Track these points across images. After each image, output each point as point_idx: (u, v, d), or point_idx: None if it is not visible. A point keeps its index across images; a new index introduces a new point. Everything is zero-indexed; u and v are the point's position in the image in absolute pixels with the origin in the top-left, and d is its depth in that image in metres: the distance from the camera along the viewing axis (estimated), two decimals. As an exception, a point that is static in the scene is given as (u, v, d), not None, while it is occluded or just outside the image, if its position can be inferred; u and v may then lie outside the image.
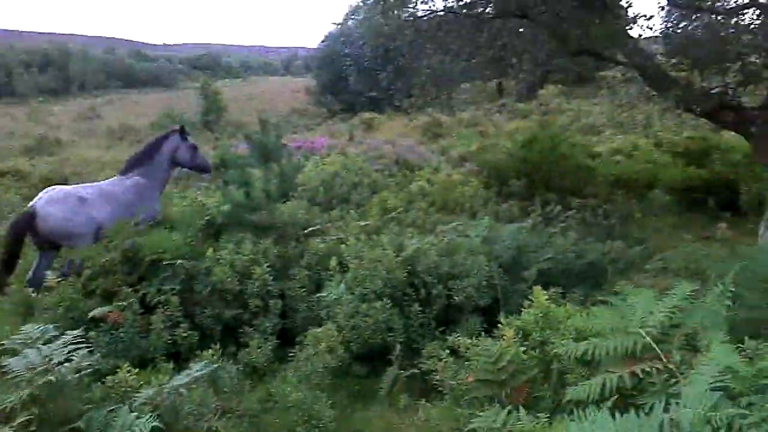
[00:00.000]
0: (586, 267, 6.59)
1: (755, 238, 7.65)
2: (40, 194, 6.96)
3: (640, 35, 8.59)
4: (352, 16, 44.55)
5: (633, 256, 6.83)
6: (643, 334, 3.41)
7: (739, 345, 3.25)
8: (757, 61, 7.60)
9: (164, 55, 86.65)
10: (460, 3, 8.57)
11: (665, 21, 8.96)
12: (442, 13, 8.60)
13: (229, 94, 43.59)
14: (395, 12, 9.04)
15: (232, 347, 5.46)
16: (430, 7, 8.84)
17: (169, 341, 5.32)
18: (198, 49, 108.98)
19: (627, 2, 8.61)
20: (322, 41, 51.35)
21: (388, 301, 5.47)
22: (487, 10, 8.46)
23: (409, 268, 5.85)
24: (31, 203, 6.89)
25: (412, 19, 8.89)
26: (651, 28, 8.50)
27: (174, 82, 73.08)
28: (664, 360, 3.26)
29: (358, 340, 5.29)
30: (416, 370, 4.80)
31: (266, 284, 6.01)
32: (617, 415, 2.64)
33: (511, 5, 8.13)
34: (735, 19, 8.00)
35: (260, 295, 5.96)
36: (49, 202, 6.74)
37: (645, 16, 8.26)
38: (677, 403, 2.63)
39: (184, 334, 5.40)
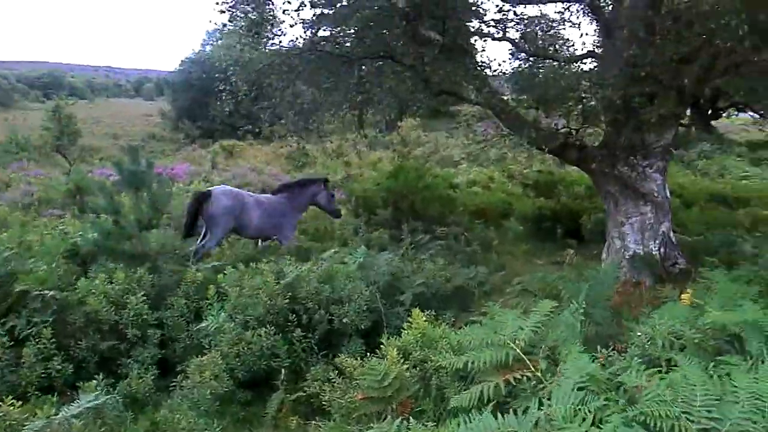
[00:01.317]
0: (454, 290, 7.08)
1: (599, 262, 8.56)
2: (222, 186, 9.39)
3: (493, 76, 9.38)
4: (210, 42, 44.02)
5: (496, 280, 7.43)
6: (514, 347, 3.84)
7: (593, 354, 3.75)
8: (596, 104, 8.58)
9: (-1, 72, 79.96)
10: (323, 41, 8.88)
11: (512, 65, 9.90)
12: (311, 53, 8.86)
13: (76, 116, 41.17)
14: (265, 48, 9.25)
15: (110, 378, 5.32)
16: (296, 43, 9.09)
17: (42, 374, 5.11)
18: (36, 67, 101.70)
19: (482, 48, 9.42)
20: (180, 66, 50.20)
21: (272, 328, 5.59)
22: (354, 50, 8.84)
23: (289, 294, 6.00)
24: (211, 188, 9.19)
25: (283, 54, 9.09)
26: (505, 73, 9.36)
27: (10, 101, 67.64)
28: (533, 369, 3.69)
29: (242, 367, 5.36)
30: (302, 393, 4.96)
31: (142, 314, 5.92)
32: (499, 416, 3.02)
33: (379, 47, 8.60)
34: (576, 66, 9.01)
35: (137, 325, 5.86)
36: (222, 193, 8.80)
37: (495, 60, 9.10)
38: (549, 404, 3.04)
39: (59, 367, 5.21)
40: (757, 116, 20.09)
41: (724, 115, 11.86)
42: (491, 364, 3.82)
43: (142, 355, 5.68)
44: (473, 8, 9.25)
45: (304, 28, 8.67)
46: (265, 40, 9.23)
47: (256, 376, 5.49)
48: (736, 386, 2.91)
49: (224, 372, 5.14)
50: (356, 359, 4.60)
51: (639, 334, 3.86)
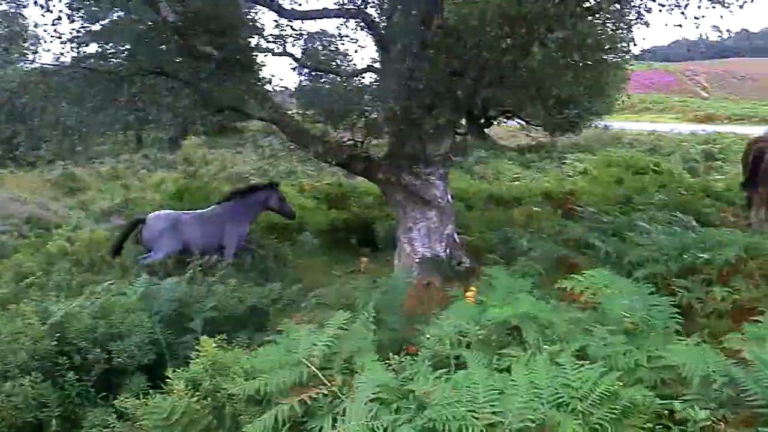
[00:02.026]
0: (248, 311, 6.78)
1: (391, 269, 8.78)
2: (157, 212, 9.63)
3: (277, 91, 9.28)
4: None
5: (291, 295, 7.23)
6: (308, 364, 3.69)
7: (386, 362, 3.72)
8: (378, 117, 8.80)
9: None
10: (90, 58, 8.18)
11: (295, 80, 9.91)
12: (75, 70, 8.08)
13: None
14: (17, 66, 8.33)
15: None
16: (60, 60, 8.26)
17: None
18: None
19: (263, 63, 9.27)
20: None
21: (38, 375, 4.91)
22: (126, 67, 8.22)
23: (58, 335, 5.32)
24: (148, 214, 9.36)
25: (39, 72, 8.21)
26: (286, 88, 9.31)
27: None
28: (329, 384, 3.57)
29: (3, 423, 4.63)
30: (78, 444, 4.40)
31: None
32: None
33: (149, 63, 8.09)
34: (357, 81, 9.20)
35: None
36: (156, 218, 9.15)
37: (276, 76, 9.03)
38: (343, 421, 2.92)
39: None
40: (524, 123, 22.11)
41: (495, 123, 12.99)
42: (286, 384, 3.64)
43: None
44: (250, 23, 9.09)
45: (62, 43, 7.88)
46: (17, 56, 8.28)
47: (22, 431, 4.77)
48: (514, 379, 3.01)
49: (-20, 433, 4.41)
50: (139, 398, 4.15)
51: (428, 336, 3.91)
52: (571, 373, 3.14)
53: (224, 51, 7.85)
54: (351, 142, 8.72)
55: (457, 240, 9.12)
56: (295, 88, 9.85)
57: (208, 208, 9.92)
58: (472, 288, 5.44)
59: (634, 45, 10.54)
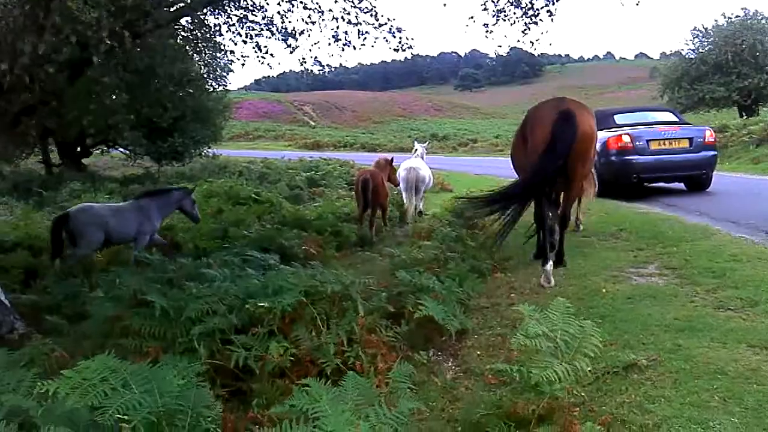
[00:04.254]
0: None
1: None
2: (78, 205, 10.09)
3: None
4: None
5: None
6: None
7: None
8: None
9: None
10: None
11: None
12: None
13: None
14: None
15: None
16: None
17: None
18: None
19: None
20: None
21: None
22: None
23: None
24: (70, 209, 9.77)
25: None
26: None
27: None
28: None
29: None
30: None
31: None
32: None
33: None
34: None
35: None
36: (79, 211, 9.49)
37: None
38: None
39: None
40: (128, 152, 20.48)
41: (97, 151, 11.65)
42: None
43: None
44: None
45: None
46: None
47: None
48: None
49: None
50: None
51: None
52: None
53: None
54: None
55: (6, 300, 7.40)
56: None
57: (126, 202, 10.60)
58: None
59: (227, 74, 10.45)
